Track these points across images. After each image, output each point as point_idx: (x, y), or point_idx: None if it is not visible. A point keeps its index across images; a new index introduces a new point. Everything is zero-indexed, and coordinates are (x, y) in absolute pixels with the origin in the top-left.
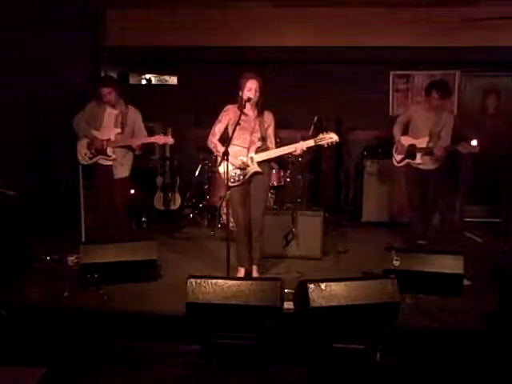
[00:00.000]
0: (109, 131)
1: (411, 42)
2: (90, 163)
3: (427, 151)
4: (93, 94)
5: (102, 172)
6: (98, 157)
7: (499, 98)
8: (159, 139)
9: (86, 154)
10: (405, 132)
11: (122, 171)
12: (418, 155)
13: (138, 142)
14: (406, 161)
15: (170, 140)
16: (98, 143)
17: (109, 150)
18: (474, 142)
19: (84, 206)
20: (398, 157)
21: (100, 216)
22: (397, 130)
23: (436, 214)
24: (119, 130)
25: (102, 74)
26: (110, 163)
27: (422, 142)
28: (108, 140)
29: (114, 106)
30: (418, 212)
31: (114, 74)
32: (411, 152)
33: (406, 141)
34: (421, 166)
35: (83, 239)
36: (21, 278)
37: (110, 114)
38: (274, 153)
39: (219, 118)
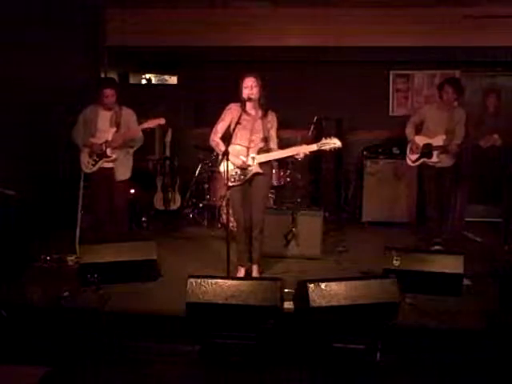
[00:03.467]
0: (105, 133)
1: (411, 42)
2: (94, 170)
3: (444, 149)
4: (93, 95)
5: (102, 175)
6: (101, 161)
7: (499, 97)
8: (152, 123)
9: (88, 163)
10: (417, 132)
11: (123, 173)
12: (435, 154)
13: (135, 135)
14: (422, 160)
15: (161, 121)
16: (97, 148)
17: (108, 151)
18: (496, 135)
19: (82, 207)
20: (413, 156)
21: (98, 217)
22: (410, 130)
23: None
24: (115, 129)
25: (102, 75)
26: (111, 165)
27: (438, 141)
28: (106, 142)
29: (109, 109)
30: (436, 212)
31: (114, 74)
32: (427, 151)
33: (420, 140)
34: (438, 165)
35: (77, 240)
36: (21, 277)
37: (104, 116)
38: (276, 155)
39: (222, 116)
